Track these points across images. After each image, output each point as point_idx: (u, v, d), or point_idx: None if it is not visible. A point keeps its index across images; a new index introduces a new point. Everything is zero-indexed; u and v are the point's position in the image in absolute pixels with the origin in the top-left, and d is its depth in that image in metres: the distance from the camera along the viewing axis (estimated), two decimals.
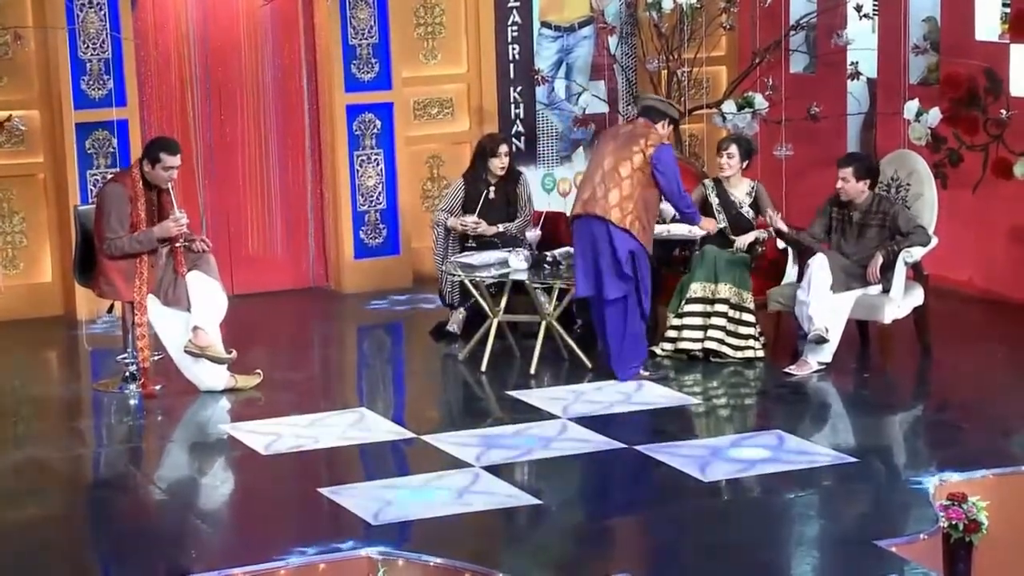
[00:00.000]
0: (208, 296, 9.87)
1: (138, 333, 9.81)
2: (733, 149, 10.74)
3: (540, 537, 7.82)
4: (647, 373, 10.12)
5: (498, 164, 11.12)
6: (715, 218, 10.62)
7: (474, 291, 10.56)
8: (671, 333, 10.51)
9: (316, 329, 11.86)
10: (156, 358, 9.99)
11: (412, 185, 12.80)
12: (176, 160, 9.87)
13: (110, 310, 10.39)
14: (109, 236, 9.81)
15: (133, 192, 9.84)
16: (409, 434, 9.22)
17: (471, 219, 11.04)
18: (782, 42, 12.42)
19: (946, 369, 10.41)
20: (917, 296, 10.45)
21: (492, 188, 11.19)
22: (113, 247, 9.82)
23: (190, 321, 9.81)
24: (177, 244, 9.88)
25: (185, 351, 9.81)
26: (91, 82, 11.76)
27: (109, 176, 11.10)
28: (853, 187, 10.29)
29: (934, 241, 10.35)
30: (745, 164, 10.80)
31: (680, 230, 10.64)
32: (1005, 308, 11.51)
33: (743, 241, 10.63)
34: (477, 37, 12.95)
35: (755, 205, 10.75)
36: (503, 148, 11.15)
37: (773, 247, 10.72)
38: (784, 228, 10.53)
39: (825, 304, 10.10)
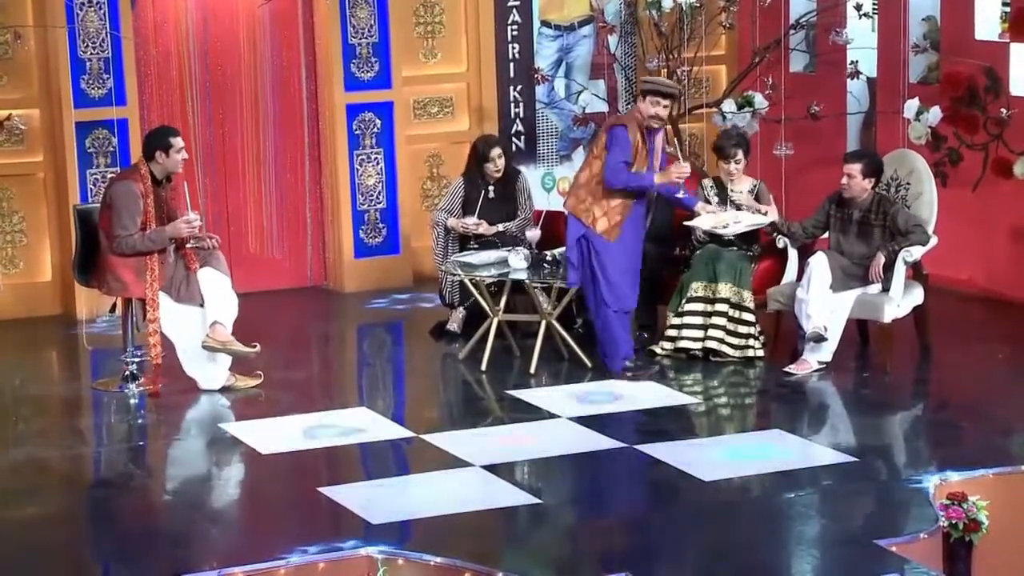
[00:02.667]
0: (222, 292, 9.89)
1: (150, 329, 9.79)
2: (740, 155, 10.68)
3: (540, 536, 7.82)
4: (630, 365, 10.09)
5: (492, 168, 11.12)
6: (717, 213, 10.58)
7: (474, 290, 10.55)
8: (671, 332, 10.51)
9: (316, 328, 11.85)
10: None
11: (412, 184, 12.80)
12: (181, 140, 9.96)
13: (112, 309, 10.37)
14: (120, 233, 9.80)
15: (144, 189, 9.85)
16: (409, 433, 9.22)
17: (471, 220, 11.04)
18: (782, 41, 12.42)
19: (946, 368, 10.41)
20: (917, 295, 10.45)
21: (491, 188, 11.19)
22: (124, 244, 9.81)
23: (206, 317, 9.82)
24: (188, 245, 9.90)
25: (204, 347, 9.82)
26: (91, 81, 11.76)
27: (112, 175, 11.11)
28: (858, 184, 10.27)
29: (934, 240, 10.35)
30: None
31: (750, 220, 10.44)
32: (1005, 307, 11.51)
33: (739, 220, 10.53)
34: (477, 36, 12.95)
35: (760, 203, 10.72)
36: (495, 152, 11.15)
37: (772, 243, 10.71)
38: (775, 218, 10.55)
39: (824, 303, 10.10)
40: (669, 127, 10.68)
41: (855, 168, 10.27)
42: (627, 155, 9.90)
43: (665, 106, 10.02)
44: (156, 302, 9.79)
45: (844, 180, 10.28)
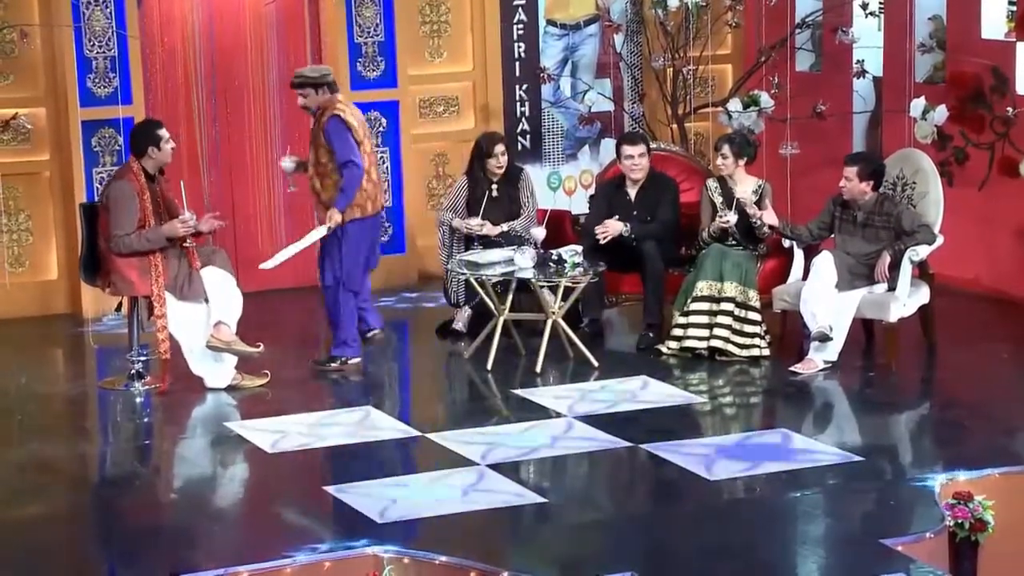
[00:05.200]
0: (226, 291, 9.90)
1: (158, 325, 9.80)
2: (726, 149, 10.70)
3: (545, 536, 7.82)
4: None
5: (495, 164, 11.12)
6: (724, 219, 10.56)
7: (480, 289, 10.55)
8: (677, 331, 10.51)
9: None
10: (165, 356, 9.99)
11: (418, 183, 12.80)
12: (167, 131, 10.00)
13: (118, 308, 10.38)
14: (118, 233, 9.81)
15: (139, 187, 9.87)
16: (415, 432, 9.23)
17: (475, 221, 11.04)
18: (788, 40, 12.42)
19: (952, 368, 10.41)
20: (923, 294, 10.45)
21: (495, 187, 11.19)
22: (122, 244, 9.82)
23: (210, 315, 9.83)
24: (185, 244, 9.90)
25: (208, 347, 9.82)
26: (97, 80, 11.77)
27: (112, 174, 11.11)
28: (856, 186, 10.28)
29: (940, 239, 10.35)
30: (744, 161, 10.75)
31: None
32: (1011, 306, 11.49)
33: (744, 212, 10.54)
34: (483, 35, 12.94)
35: (760, 204, 10.71)
36: (499, 148, 11.15)
37: (778, 243, 10.71)
38: (775, 222, 10.53)
39: (830, 302, 10.10)
40: None
41: (852, 171, 10.28)
42: None
43: (303, 95, 10.43)
44: (163, 298, 9.80)
45: (842, 183, 10.30)
